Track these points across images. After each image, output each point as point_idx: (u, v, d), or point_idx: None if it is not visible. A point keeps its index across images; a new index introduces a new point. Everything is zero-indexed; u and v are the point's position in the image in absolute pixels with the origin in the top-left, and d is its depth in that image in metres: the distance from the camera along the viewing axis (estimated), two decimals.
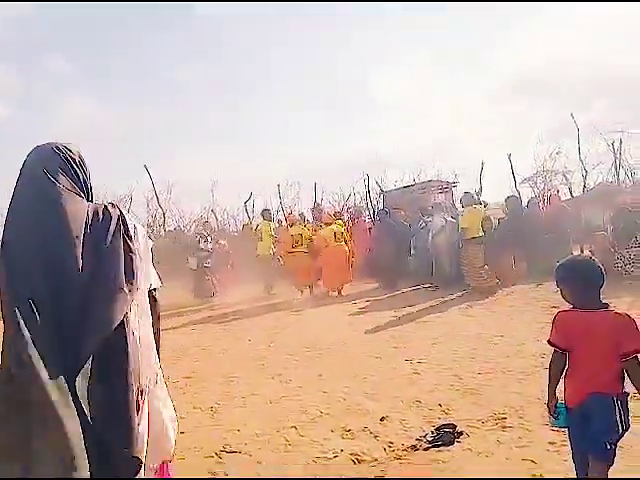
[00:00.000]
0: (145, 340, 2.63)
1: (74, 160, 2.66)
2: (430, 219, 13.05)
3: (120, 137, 34.29)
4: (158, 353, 2.79)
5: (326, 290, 13.18)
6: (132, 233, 2.60)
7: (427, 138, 34.33)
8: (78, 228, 2.46)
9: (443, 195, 17.08)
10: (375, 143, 33.06)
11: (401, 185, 19.85)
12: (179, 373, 6.97)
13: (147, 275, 2.70)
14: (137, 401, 2.47)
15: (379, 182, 19.96)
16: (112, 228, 2.52)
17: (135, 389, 2.44)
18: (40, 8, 34.33)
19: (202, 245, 14.39)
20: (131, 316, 2.50)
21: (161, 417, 2.74)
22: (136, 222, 2.75)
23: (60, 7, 35.89)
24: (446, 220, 12.72)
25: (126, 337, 2.42)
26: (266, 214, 15.54)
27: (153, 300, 2.79)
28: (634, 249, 11.20)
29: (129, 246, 2.54)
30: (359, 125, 37.78)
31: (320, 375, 6.50)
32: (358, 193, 20.89)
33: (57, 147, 2.63)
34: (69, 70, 39.51)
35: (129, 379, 2.40)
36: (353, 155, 34.14)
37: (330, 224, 13.30)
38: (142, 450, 2.49)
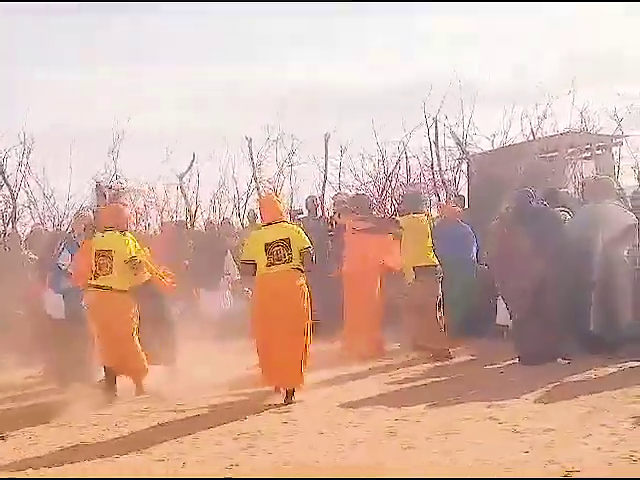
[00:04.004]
0: None
1: None
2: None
3: None
4: None
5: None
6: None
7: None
8: None
9: (593, 162, 11.53)
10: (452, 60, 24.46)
11: (500, 140, 13.83)
12: None
13: None
14: None
15: (455, 130, 14.01)
16: None
17: None
18: None
19: None
20: None
21: None
22: None
23: None
24: None
25: None
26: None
27: None
28: None
29: None
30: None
31: None
32: (412, 153, 14.81)
33: None
34: None
35: None
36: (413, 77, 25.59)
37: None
38: None
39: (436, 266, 8.57)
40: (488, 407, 6.09)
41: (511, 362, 7.85)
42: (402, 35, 26.85)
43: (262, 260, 6.80)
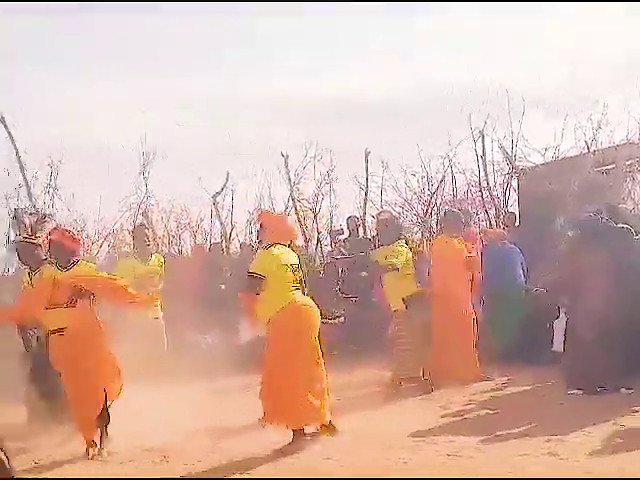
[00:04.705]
0: None
1: None
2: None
3: None
4: None
5: None
6: None
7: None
8: None
9: None
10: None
11: (552, 153, 13.51)
12: None
13: None
14: None
15: (503, 143, 13.69)
16: None
17: None
18: None
19: None
20: None
21: None
22: None
23: None
24: None
25: None
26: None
27: None
28: None
29: None
30: None
31: None
32: (460, 168, 14.56)
33: None
34: None
35: None
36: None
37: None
38: None
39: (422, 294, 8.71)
40: (547, 441, 5.89)
41: (571, 392, 7.61)
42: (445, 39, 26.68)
43: (288, 281, 6.38)
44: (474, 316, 8.88)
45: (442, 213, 11.93)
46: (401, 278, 8.45)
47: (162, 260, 9.81)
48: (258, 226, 7.07)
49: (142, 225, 11.54)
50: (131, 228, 14.06)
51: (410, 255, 8.64)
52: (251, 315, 6.77)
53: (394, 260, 8.37)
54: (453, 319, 8.71)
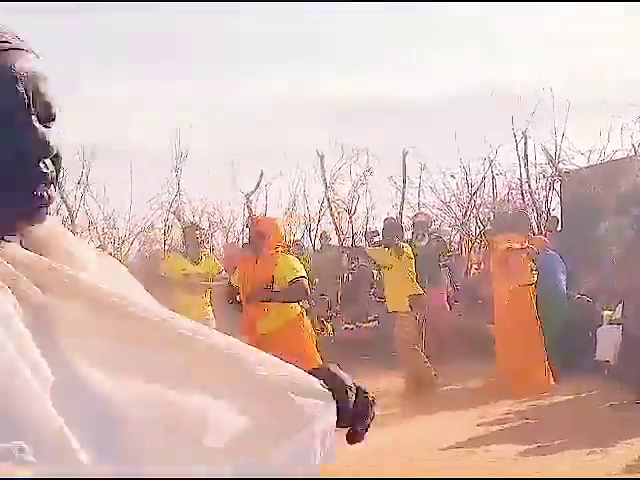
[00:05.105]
0: None
1: None
2: None
3: None
4: None
5: None
6: None
7: None
8: None
9: None
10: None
11: (598, 156, 13.34)
12: None
13: None
14: None
15: (545, 145, 13.42)
16: None
17: None
18: None
19: None
20: None
21: None
22: None
23: None
24: None
25: None
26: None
27: None
28: None
29: None
30: None
31: None
32: (501, 169, 14.32)
33: None
34: None
35: None
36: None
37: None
38: None
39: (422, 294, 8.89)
40: (589, 453, 5.78)
41: (615, 402, 7.38)
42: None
43: None
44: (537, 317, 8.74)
45: (504, 213, 11.76)
46: (399, 280, 8.60)
47: (216, 262, 9.58)
48: (258, 233, 6.59)
49: (193, 224, 11.39)
50: (161, 226, 14.05)
51: (407, 257, 8.70)
52: (253, 323, 6.51)
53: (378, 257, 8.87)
54: (518, 325, 8.57)
